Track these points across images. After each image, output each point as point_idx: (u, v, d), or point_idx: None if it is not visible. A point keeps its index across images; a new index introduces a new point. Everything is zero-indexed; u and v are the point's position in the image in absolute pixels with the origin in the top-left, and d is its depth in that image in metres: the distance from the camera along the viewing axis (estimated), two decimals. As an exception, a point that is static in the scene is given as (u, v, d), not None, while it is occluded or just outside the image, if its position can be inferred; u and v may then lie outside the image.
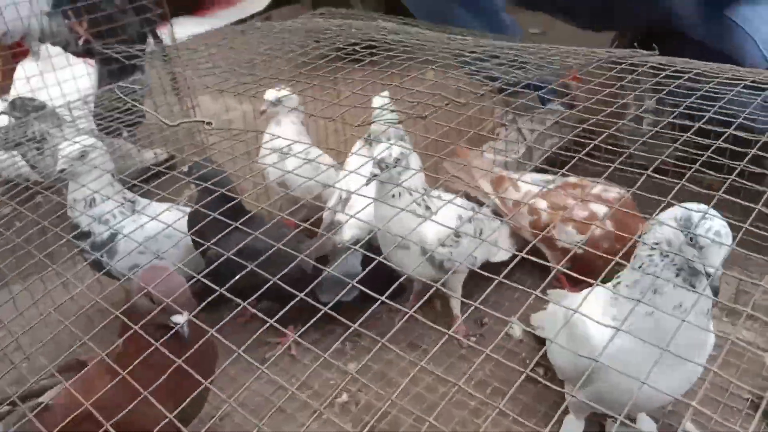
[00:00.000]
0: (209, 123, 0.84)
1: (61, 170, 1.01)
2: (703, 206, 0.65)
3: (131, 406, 0.53)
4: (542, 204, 1.09)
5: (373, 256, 0.74)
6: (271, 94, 1.28)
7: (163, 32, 1.59)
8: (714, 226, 0.63)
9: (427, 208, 0.96)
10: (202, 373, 0.55)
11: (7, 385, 0.70)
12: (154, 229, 0.97)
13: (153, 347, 0.55)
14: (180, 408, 0.52)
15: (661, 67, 1.00)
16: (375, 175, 0.91)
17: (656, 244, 0.69)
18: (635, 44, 1.12)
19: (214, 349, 0.77)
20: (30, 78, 1.49)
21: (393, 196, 0.94)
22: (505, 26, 1.42)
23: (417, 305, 1.13)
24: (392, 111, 1.21)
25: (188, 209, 1.09)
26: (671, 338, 0.57)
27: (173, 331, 0.66)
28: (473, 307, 1.10)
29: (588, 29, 1.63)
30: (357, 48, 1.13)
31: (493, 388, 0.97)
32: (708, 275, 0.63)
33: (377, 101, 1.23)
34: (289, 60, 1.25)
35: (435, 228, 0.93)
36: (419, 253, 0.97)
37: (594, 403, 0.69)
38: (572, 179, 1.11)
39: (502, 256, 1.11)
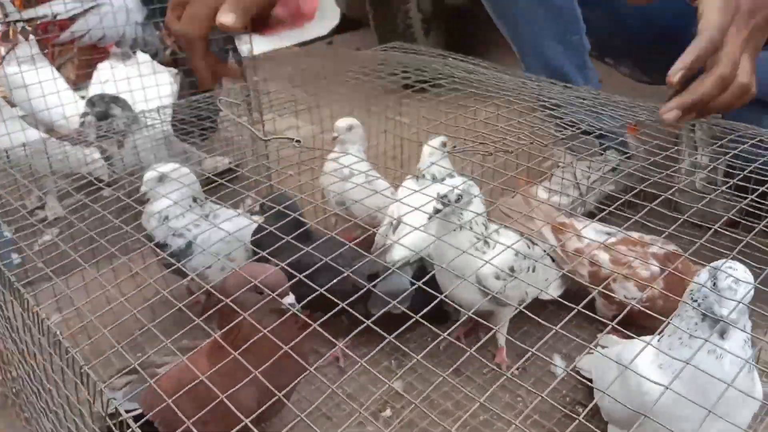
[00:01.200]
0: (298, 141, 0.90)
1: (143, 193, 1.11)
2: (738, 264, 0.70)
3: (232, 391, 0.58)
4: (604, 257, 1.12)
5: (415, 283, 0.79)
6: (344, 122, 1.37)
7: (242, 47, 1.67)
8: (735, 272, 0.69)
9: (486, 242, 1.01)
10: (294, 370, 0.60)
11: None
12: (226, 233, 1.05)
13: (261, 333, 0.61)
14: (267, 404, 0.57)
15: (723, 129, 1.04)
16: (438, 211, 0.97)
17: (691, 290, 0.74)
18: None
19: (305, 351, 0.84)
20: (111, 81, 1.59)
21: (454, 230, 0.99)
22: (588, 69, 1.43)
23: (459, 331, 1.18)
24: (446, 155, 1.28)
25: (253, 217, 1.17)
26: (721, 393, 0.60)
27: (289, 313, 0.73)
28: (518, 343, 1.15)
29: (653, 83, 1.67)
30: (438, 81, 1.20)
31: (533, 421, 1.01)
32: (721, 317, 0.68)
33: (432, 144, 1.31)
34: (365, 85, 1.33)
35: (495, 259, 0.98)
36: (474, 285, 1.02)
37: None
38: (634, 235, 1.13)
39: (551, 293, 1.15)
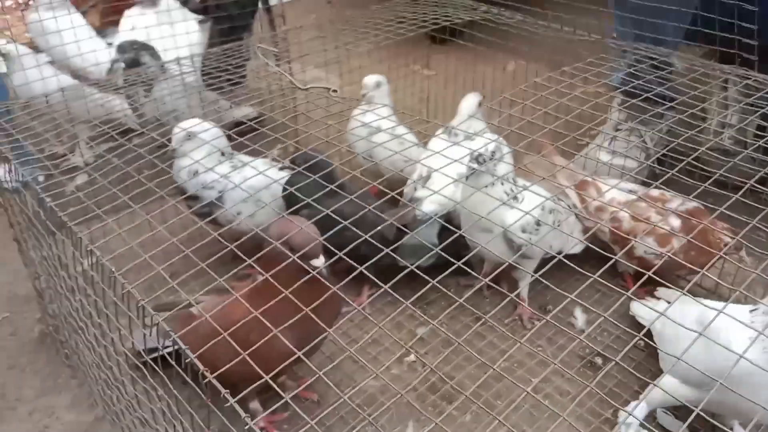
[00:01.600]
0: (335, 90, 0.92)
1: (172, 150, 1.14)
2: None
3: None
4: (625, 214, 1.14)
5: (452, 228, 0.81)
6: (371, 79, 1.38)
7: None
8: None
9: (515, 197, 1.04)
10: (325, 319, 0.63)
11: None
12: (256, 182, 1.07)
13: (292, 287, 0.64)
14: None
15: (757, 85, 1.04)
16: (474, 169, 0.99)
17: None
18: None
19: (338, 302, 0.87)
20: (140, 28, 1.60)
21: (486, 186, 1.01)
22: None
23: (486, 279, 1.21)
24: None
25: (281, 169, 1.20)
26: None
27: (315, 271, 0.75)
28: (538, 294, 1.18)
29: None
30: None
31: (554, 370, 1.04)
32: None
33: (464, 104, 1.32)
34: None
35: (518, 215, 1.00)
36: (501, 236, 1.04)
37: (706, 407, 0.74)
38: (654, 192, 1.15)
39: (575, 249, 1.17)
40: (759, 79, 1.06)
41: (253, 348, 0.58)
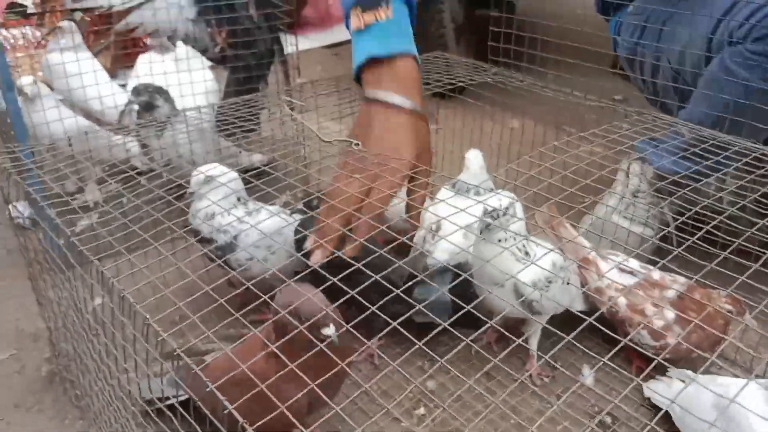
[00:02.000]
0: (357, 144, 0.95)
1: (190, 193, 1.16)
2: None
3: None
4: (622, 301, 1.15)
5: (461, 273, 0.82)
6: None
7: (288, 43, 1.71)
8: None
9: (527, 253, 1.06)
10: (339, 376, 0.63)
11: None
12: (267, 228, 1.16)
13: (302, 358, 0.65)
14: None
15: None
16: (488, 225, 1.01)
17: None
18: None
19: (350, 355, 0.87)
20: (155, 74, 1.64)
21: (499, 240, 1.03)
22: None
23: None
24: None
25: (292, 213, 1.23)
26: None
27: (326, 342, 0.74)
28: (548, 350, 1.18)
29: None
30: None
31: (563, 428, 1.04)
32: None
33: (474, 160, 1.34)
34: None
35: (532, 270, 1.02)
36: (512, 291, 1.06)
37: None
38: (656, 275, 1.15)
39: (579, 306, 1.19)
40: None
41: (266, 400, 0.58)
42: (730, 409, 0.65)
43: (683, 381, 1.06)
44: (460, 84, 1.40)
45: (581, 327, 0.66)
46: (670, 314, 1.09)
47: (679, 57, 1.42)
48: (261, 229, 1.11)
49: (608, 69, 1.90)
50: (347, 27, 1.09)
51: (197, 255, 1.14)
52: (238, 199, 1.20)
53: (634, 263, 1.20)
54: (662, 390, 1.07)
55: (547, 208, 1.23)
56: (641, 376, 1.12)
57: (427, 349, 0.64)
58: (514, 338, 0.82)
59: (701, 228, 0.82)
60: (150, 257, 0.83)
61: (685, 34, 1.39)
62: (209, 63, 1.66)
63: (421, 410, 1.09)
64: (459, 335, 0.68)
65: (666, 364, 1.07)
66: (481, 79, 1.47)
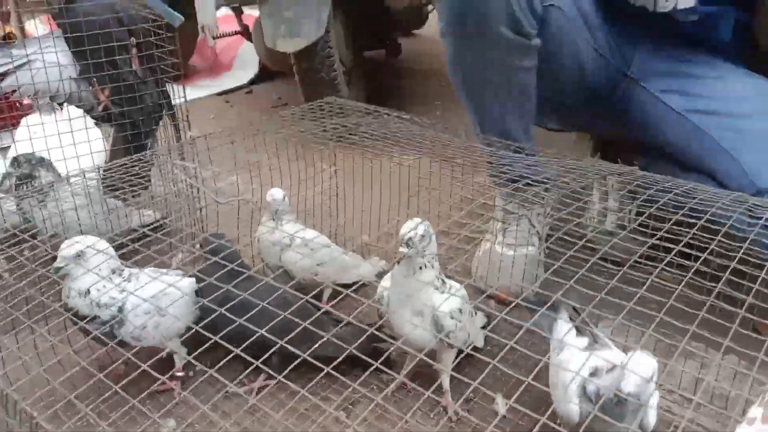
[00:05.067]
0: (251, 202, 0.94)
1: (57, 269, 1.07)
2: None
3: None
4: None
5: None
6: (277, 193, 1.37)
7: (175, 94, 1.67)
8: None
9: (444, 282, 1.09)
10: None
11: None
12: (152, 291, 1.07)
13: None
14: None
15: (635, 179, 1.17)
16: (404, 254, 1.02)
17: None
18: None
19: None
20: (39, 136, 1.56)
21: (420, 268, 1.05)
22: (531, 129, 1.52)
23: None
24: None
25: (179, 272, 1.20)
26: None
27: None
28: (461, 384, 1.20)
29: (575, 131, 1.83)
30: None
31: (482, 460, 1.06)
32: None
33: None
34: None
35: (449, 300, 1.06)
36: (431, 321, 1.08)
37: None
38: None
39: (480, 342, 1.23)
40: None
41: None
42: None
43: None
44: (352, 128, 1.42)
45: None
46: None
47: None
48: (146, 293, 1.05)
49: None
50: None
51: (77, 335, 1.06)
52: (113, 271, 1.13)
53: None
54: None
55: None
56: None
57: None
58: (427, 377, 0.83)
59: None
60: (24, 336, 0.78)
61: None
62: (94, 122, 1.59)
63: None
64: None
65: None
66: (371, 123, 1.50)
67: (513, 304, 0.86)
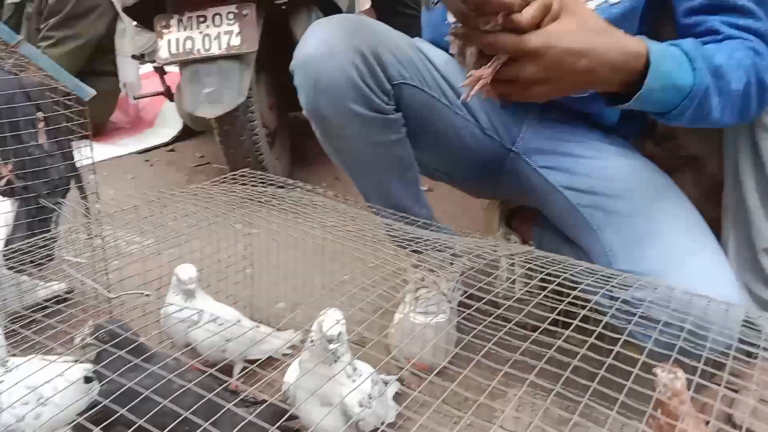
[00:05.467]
0: (148, 295, 0.92)
1: None
2: None
3: None
4: None
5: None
6: (189, 272, 1.33)
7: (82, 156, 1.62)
8: None
9: (355, 369, 1.09)
10: None
11: None
12: (34, 381, 0.98)
13: None
14: None
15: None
16: (332, 351, 1.03)
17: None
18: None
19: None
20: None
21: (337, 360, 1.05)
22: (421, 196, 1.52)
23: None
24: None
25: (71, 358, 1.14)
26: None
27: None
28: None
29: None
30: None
31: None
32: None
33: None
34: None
35: (357, 390, 1.06)
36: (340, 412, 1.07)
37: None
38: None
39: (391, 418, 1.23)
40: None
41: None
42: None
43: None
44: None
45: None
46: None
47: None
48: (26, 383, 0.97)
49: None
50: None
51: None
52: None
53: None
54: None
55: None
56: None
57: None
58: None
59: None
60: None
61: None
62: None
63: None
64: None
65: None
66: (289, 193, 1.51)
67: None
